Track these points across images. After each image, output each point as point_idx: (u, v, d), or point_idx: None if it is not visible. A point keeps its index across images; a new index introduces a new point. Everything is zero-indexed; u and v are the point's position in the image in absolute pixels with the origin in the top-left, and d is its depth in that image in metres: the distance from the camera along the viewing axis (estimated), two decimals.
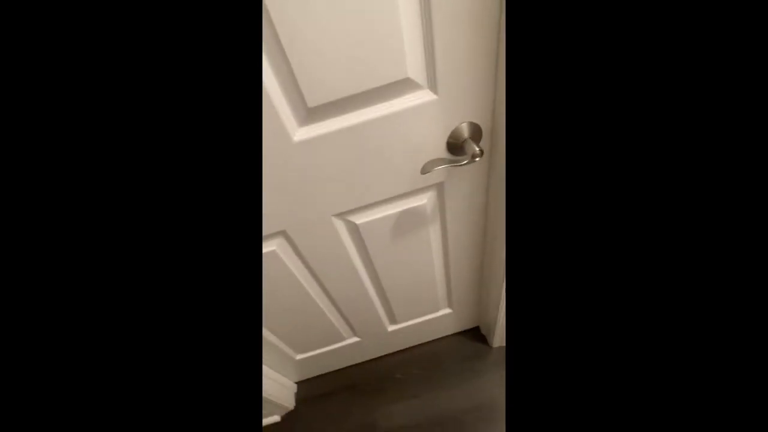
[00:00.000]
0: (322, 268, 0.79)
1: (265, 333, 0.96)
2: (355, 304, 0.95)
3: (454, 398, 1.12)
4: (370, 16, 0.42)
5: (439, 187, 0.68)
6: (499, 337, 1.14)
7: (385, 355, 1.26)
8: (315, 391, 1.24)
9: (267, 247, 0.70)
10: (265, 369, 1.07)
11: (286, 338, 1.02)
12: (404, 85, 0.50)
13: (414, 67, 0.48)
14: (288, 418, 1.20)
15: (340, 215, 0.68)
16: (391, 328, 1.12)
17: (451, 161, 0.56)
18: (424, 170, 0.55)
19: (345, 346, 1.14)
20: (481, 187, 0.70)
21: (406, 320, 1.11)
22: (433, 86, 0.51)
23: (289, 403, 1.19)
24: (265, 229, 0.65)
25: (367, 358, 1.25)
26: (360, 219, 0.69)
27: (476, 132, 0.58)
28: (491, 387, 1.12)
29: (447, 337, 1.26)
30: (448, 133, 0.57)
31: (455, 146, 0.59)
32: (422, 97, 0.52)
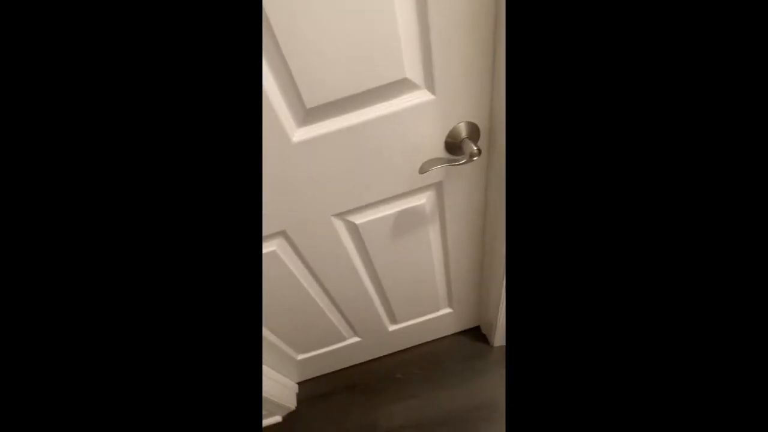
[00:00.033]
0: (322, 268, 0.79)
1: (267, 333, 0.96)
2: (355, 304, 0.95)
3: (455, 398, 1.12)
4: (367, 17, 0.43)
5: (438, 187, 0.68)
6: (499, 337, 1.14)
7: (386, 355, 1.26)
8: (316, 391, 1.24)
9: (267, 248, 0.70)
10: (266, 369, 1.07)
11: (287, 338, 1.02)
12: (402, 86, 0.51)
13: (411, 67, 0.49)
14: (289, 418, 1.20)
15: (340, 215, 0.68)
16: (392, 327, 1.12)
17: (449, 161, 0.56)
18: (423, 170, 0.55)
19: (345, 347, 1.14)
20: (479, 187, 0.70)
21: (407, 320, 1.11)
22: (430, 86, 0.51)
23: (291, 403, 1.20)
24: (265, 230, 0.66)
25: (368, 358, 1.25)
26: (359, 219, 0.69)
27: (474, 131, 0.58)
28: (492, 386, 1.12)
29: (447, 336, 1.26)
30: (446, 133, 0.58)
31: (453, 146, 0.59)
32: (420, 97, 0.52)
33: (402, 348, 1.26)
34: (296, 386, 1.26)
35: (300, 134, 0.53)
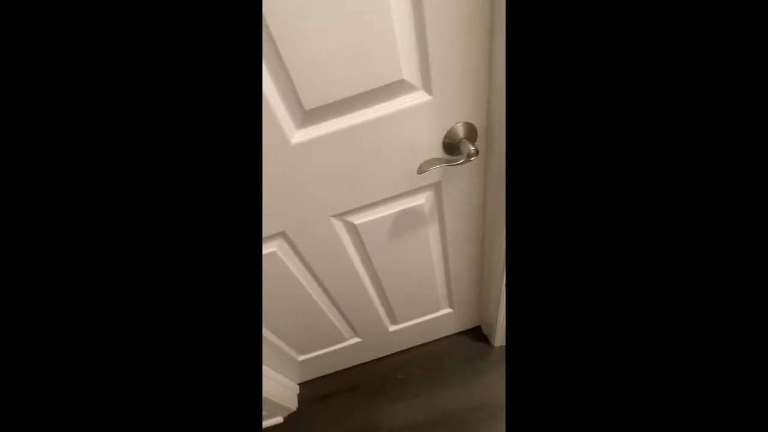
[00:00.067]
0: (322, 269, 0.79)
1: (268, 334, 0.97)
2: (355, 305, 0.95)
3: (456, 398, 1.12)
4: (364, 19, 0.43)
5: (437, 187, 0.69)
6: (500, 337, 1.14)
7: (387, 356, 1.26)
8: (317, 392, 1.24)
9: (267, 249, 0.70)
10: (267, 370, 1.07)
11: (288, 339, 1.03)
12: (399, 87, 0.51)
13: (408, 69, 0.49)
14: (290, 419, 1.20)
15: (339, 216, 0.68)
16: (392, 328, 1.13)
17: (447, 161, 0.56)
18: (421, 170, 0.56)
19: (346, 347, 1.14)
20: (478, 187, 0.71)
21: (407, 320, 1.11)
22: (427, 87, 0.52)
23: (292, 404, 1.20)
24: (265, 231, 0.66)
25: (369, 358, 1.26)
26: (358, 219, 0.70)
27: (471, 132, 0.59)
28: (493, 386, 1.12)
29: (448, 336, 1.26)
30: (443, 134, 0.58)
31: (451, 146, 0.59)
32: (417, 98, 0.53)
33: (403, 348, 1.26)
34: (297, 387, 1.27)
35: (299, 136, 0.54)
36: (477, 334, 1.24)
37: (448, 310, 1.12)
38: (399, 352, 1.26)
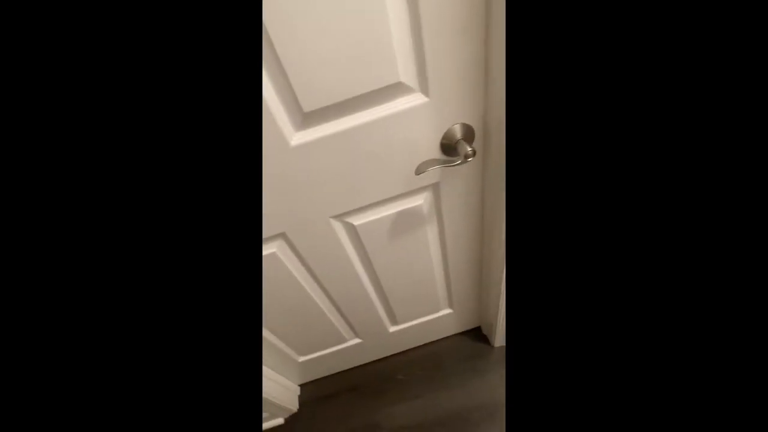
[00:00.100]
0: (321, 270, 0.80)
1: (269, 336, 0.97)
2: (355, 305, 0.96)
3: (456, 398, 1.12)
4: (361, 23, 0.44)
5: (435, 188, 0.69)
6: (500, 337, 1.14)
7: (387, 357, 1.27)
8: (318, 393, 1.25)
9: (267, 250, 0.71)
10: (268, 371, 1.08)
11: (289, 340, 1.03)
12: (396, 89, 0.52)
13: (405, 71, 0.50)
14: (291, 420, 1.20)
15: (338, 217, 0.69)
16: (393, 329, 1.13)
17: (444, 162, 0.57)
18: (419, 171, 0.56)
19: (347, 348, 1.15)
20: (475, 187, 0.71)
21: (407, 321, 1.12)
22: (424, 89, 0.53)
23: (293, 405, 1.20)
24: (265, 232, 0.67)
25: (369, 359, 1.26)
26: (357, 220, 0.70)
27: (469, 133, 0.59)
28: (494, 386, 1.12)
29: (448, 337, 1.26)
30: (441, 135, 0.59)
31: (449, 147, 0.60)
32: (414, 100, 0.53)
33: (403, 349, 1.26)
34: (298, 388, 1.27)
35: (298, 138, 0.54)
36: (477, 334, 1.24)
37: (448, 311, 1.13)
38: (399, 353, 1.27)
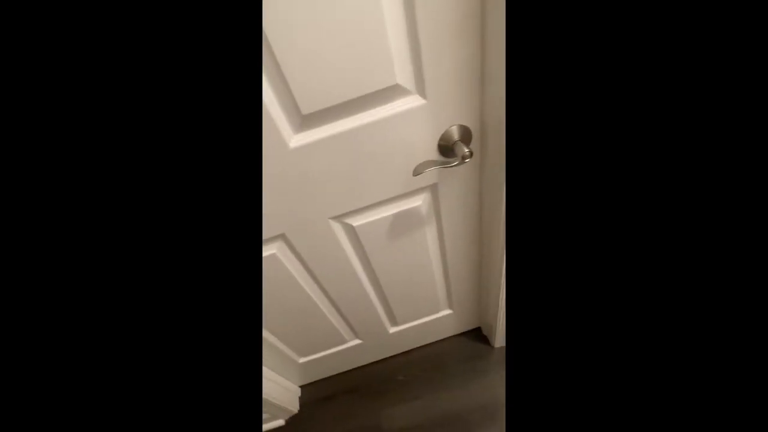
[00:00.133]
0: (321, 271, 0.80)
1: (269, 337, 0.97)
2: (355, 306, 0.96)
3: (457, 399, 1.12)
4: (358, 26, 0.45)
5: (434, 189, 0.70)
6: (500, 337, 1.14)
7: (387, 358, 1.27)
8: (318, 394, 1.25)
9: (267, 251, 0.72)
10: (268, 372, 1.08)
11: (289, 341, 1.04)
12: (394, 91, 0.52)
13: (402, 73, 0.51)
14: (292, 421, 1.21)
15: (337, 218, 0.70)
16: (393, 329, 1.13)
17: (442, 163, 0.57)
18: (416, 172, 0.57)
19: (347, 349, 1.15)
20: (473, 188, 0.72)
21: (407, 322, 1.12)
22: (421, 91, 0.53)
23: (294, 406, 1.20)
24: (265, 233, 0.67)
25: (370, 360, 1.26)
26: (356, 221, 0.71)
27: (466, 134, 0.60)
28: (494, 387, 1.12)
29: (449, 338, 1.26)
30: (438, 136, 0.59)
31: (446, 148, 0.61)
32: (412, 102, 0.54)
33: (403, 350, 1.26)
34: (299, 389, 1.27)
35: (297, 140, 0.55)
36: (477, 335, 1.24)
37: (447, 312, 1.13)
38: (399, 354, 1.27)
